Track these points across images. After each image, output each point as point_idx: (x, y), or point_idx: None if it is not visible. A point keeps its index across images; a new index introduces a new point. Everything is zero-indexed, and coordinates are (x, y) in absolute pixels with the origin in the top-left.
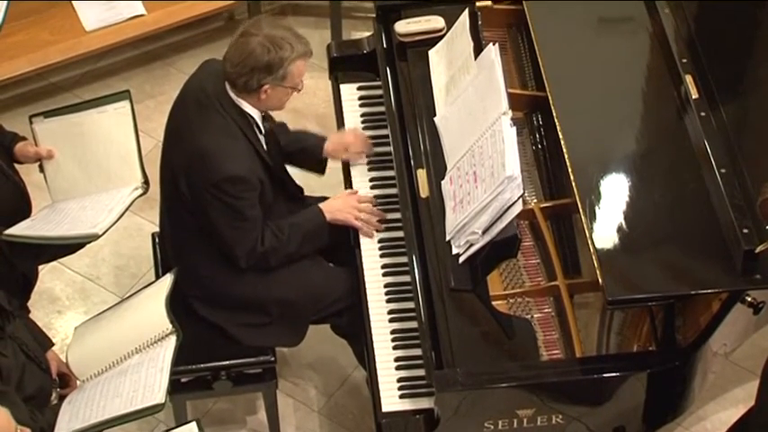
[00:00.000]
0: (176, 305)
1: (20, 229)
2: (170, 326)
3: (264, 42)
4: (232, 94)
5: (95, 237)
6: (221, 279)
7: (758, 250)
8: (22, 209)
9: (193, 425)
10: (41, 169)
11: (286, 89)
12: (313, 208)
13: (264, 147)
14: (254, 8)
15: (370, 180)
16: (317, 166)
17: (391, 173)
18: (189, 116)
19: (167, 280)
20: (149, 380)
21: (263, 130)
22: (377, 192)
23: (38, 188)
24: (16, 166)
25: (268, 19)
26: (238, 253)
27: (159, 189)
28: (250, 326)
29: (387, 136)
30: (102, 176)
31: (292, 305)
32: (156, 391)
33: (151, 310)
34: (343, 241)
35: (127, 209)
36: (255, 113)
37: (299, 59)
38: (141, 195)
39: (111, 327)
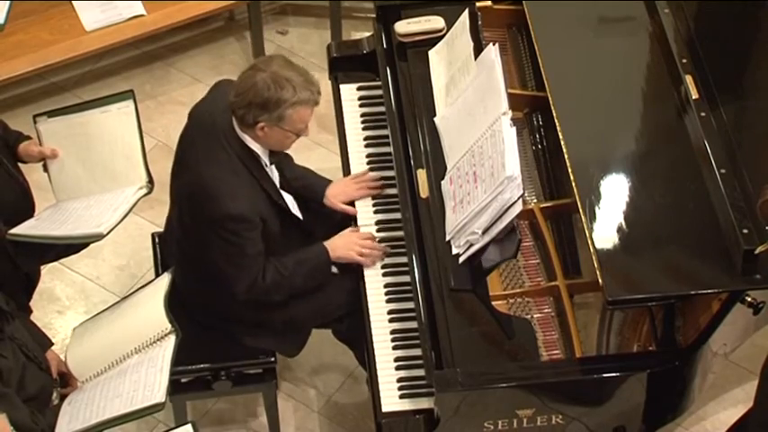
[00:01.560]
0: (176, 306)
1: (24, 229)
2: (169, 325)
3: (267, 79)
4: (237, 129)
5: (100, 236)
6: (224, 299)
7: (758, 251)
8: (25, 209)
9: (189, 427)
10: (45, 169)
11: (285, 131)
12: (318, 245)
13: (272, 182)
14: (255, 8)
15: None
16: (320, 205)
17: (391, 173)
18: (195, 145)
19: (165, 279)
20: (149, 379)
21: (268, 164)
22: (379, 191)
23: (39, 188)
24: (20, 165)
25: (283, 58)
26: (238, 287)
27: (169, 199)
28: (252, 333)
29: (387, 136)
30: (106, 176)
31: (295, 318)
32: (156, 391)
33: (150, 309)
34: None
35: (131, 208)
36: (259, 149)
37: (300, 105)
38: (146, 195)
39: (110, 327)
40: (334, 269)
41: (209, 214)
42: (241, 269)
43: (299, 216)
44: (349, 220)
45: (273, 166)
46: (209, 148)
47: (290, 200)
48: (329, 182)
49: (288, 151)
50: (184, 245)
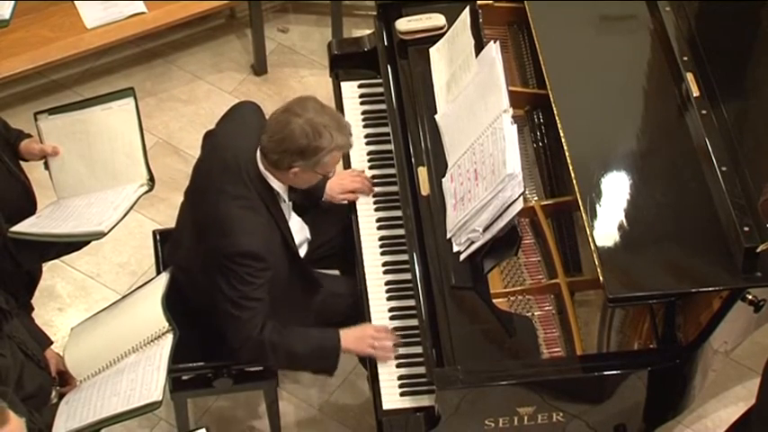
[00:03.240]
0: (178, 304)
1: (25, 227)
2: (166, 324)
3: (305, 127)
4: (261, 166)
5: (101, 234)
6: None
7: (760, 250)
8: (27, 206)
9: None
10: (46, 166)
11: (317, 174)
12: (333, 330)
13: (285, 216)
14: (256, 6)
15: (372, 178)
16: (320, 202)
17: (392, 171)
18: (213, 176)
19: (163, 279)
20: (146, 378)
21: (286, 200)
22: (377, 189)
23: (41, 185)
24: (21, 163)
25: (317, 102)
26: (233, 334)
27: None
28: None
29: (387, 134)
30: (107, 173)
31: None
32: (153, 390)
33: (147, 308)
34: (347, 248)
35: (132, 206)
36: (281, 188)
37: (336, 151)
38: (146, 192)
39: (108, 326)
40: (335, 272)
41: (223, 249)
42: (241, 312)
43: (307, 239)
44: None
45: (290, 203)
46: (228, 182)
47: (297, 228)
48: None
49: None
50: (194, 268)
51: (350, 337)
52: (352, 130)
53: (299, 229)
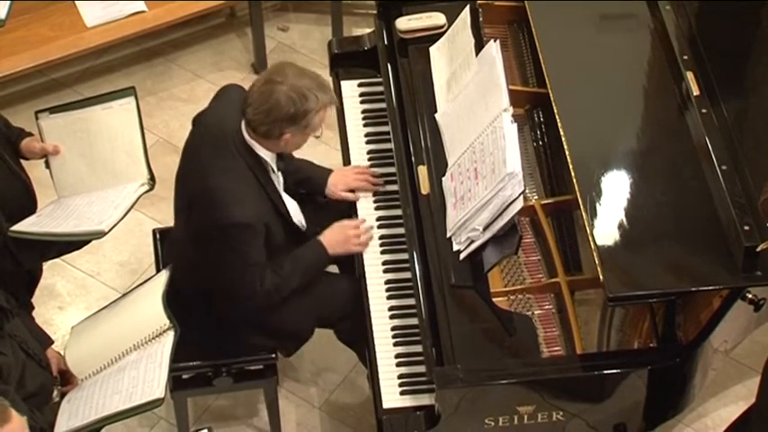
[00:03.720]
0: (176, 303)
1: (25, 226)
2: (167, 321)
3: (290, 93)
4: (247, 136)
5: (101, 234)
6: (229, 303)
7: (759, 249)
8: (27, 205)
9: None
10: (47, 165)
11: (306, 135)
12: (314, 242)
13: (277, 187)
14: (256, 5)
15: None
16: (321, 195)
17: (392, 169)
18: (202, 152)
19: (163, 276)
20: (148, 375)
21: (275, 170)
22: (378, 188)
23: (41, 184)
24: (22, 162)
25: (294, 66)
26: (240, 296)
27: (174, 212)
28: (252, 334)
29: (387, 133)
30: (107, 172)
31: (296, 324)
32: (155, 387)
33: (147, 306)
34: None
35: (133, 205)
36: (268, 155)
37: (323, 109)
38: (147, 191)
39: (108, 325)
40: (334, 268)
41: (216, 222)
42: (243, 277)
43: (302, 225)
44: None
45: (279, 173)
46: (216, 156)
47: (293, 207)
48: (330, 172)
49: None
50: (189, 250)
51: (334, 242)
52: (353, 130)
53: (295, 213)
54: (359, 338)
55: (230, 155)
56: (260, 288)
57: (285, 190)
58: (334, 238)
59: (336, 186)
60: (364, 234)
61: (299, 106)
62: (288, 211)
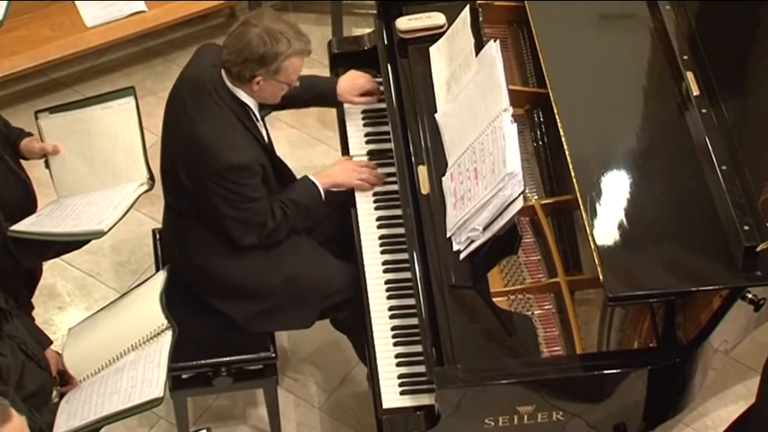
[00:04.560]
0: (177, 302)
1: (25, 225)
2: (165, 321)
3: (262, 34)
4: (228, 83)
5: (101, 233)
6: (226, 267)
7: (759, 249)
8: (27, 205)
9: None
10: (47, 165)
11: (280, 83)
12: (305, 181)
13: (263, 134)
14: (256, 5)
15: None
16: (333, 105)
17: (392, 169)
18: (185, 106)
19: (161, 276)
20: (147, 375)
21: (259, 119)
22: (377, 188)
23: (41, 184)
24: (21, 162)
25: (272, 12)
26: (247, 230)
27: (161, 182)
28: (258, 314)
29: (387, 132)
30: (107, 172)
31: (297, 286)
32: (154, 386)
33: (145, 306)
34: (344, 233)
35: (132, 205)
36: (251, 102)
37: (294, 56)
38: (147, 191)
39: (106, 325)
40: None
41: (210, 167)
42: (251, 213)
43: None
44: (347, 207)
45: (264, 121)
46: (200, 105)
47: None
48: (336, 80)
49: (287, 148)
50: (184, 217)
51: (334, 172)
52: (353, 130)
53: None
54: (355, 326)
55: (213, 102)
56: (271, 221)
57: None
58: (335, 167)
59: (350, 93)
60: (366, 170)
61: (268, 47)
62: (276, 154)
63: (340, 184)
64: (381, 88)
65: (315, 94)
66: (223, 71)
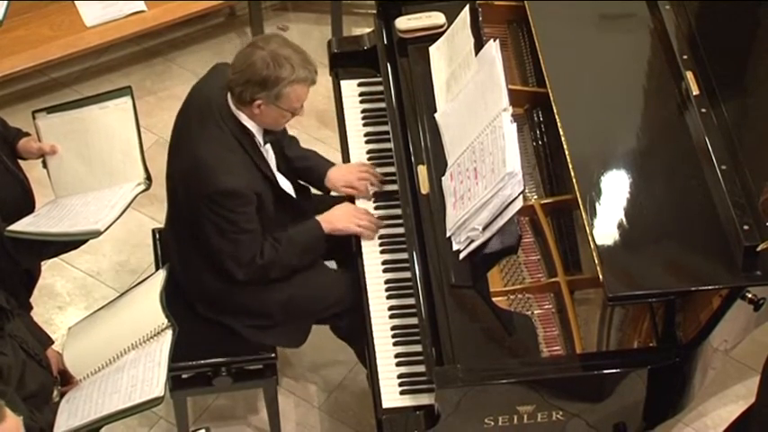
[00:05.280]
0: (177, 302)
1: (22, 225)
2: (165, 320)
3: (266, 58)
4: (231, 105)
5: (97, 233)
6: (224, 287)
7: (759, 249)
8: (25, 205)
9: None
10: (44, 165)
11: (281, 110)
12: (312, 220)
13: (267, 160)
14: (255, 4)
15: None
16: (321, 187)
17: (392, 169)
18: (190, 125)
19: (160, 275)
20: (147, 374)
21: (262, 143)
22: (377, 188)
23: (39, 184)
24: (19, 162)
25: (282, 37)
26: (235, 265)
27: (165, 185)
28: (254, 327)
29: (387, 132)
30: (104, 172)
31: (294, 307)
32: (155, 386)
33: (145, 305)
34: (344, 240)
35: (129, 205)
36: (254, 127)
37: (297, 84)
38: (143, 191)
39: (106, 325)
40: (333, 265)
41: (204, 190)
42: (238, 245)
43: (292, 194)
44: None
45: (269, 147)
46: (203, 126)
47: (282, 180)
48: (332, 164)
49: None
50: (183, 232)
51: (335, 218)
52: (353, 130)
53: (284, 184)
54: (356, 334)
55: (215, 124)
56: (259, 259)
57: (280, 170)
58: (335, 212)
59: (338, 181)
60: (367, 217)
61: (271, 71)
62: (278, 182)
63: (338, 230)
64: (371, 191)
65: (306, 167)
66: (228, 93)
